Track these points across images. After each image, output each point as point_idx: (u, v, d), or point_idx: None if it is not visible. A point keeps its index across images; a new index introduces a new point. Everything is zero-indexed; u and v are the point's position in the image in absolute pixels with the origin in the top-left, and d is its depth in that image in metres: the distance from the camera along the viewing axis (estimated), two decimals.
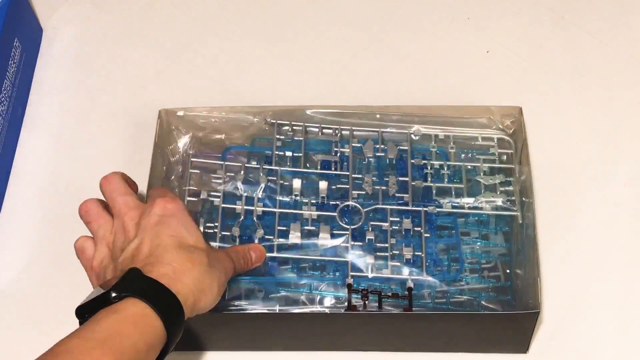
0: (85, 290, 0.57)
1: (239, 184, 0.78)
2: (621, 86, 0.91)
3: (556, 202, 0.84)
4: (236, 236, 0.76)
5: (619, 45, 0.93)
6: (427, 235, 0.77)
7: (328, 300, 0.75)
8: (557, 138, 0.88)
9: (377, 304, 0.73)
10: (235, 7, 0.97)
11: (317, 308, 0.75)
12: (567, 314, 0.78)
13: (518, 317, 0.70)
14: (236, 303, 0.74)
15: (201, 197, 0.78)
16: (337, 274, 0.76)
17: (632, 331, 0.77)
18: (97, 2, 0.96)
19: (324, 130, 0.83)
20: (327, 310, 0.74)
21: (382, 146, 0.81)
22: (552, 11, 0.95)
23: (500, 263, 0.77)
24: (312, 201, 0.78)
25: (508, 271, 0.76)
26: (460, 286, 0.75)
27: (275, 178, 0.79)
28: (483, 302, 0.74)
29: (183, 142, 0.82)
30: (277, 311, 0.74)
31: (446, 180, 0.80)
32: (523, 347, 0.75)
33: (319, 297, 0.76)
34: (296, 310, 0.74)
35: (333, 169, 0.81)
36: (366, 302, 0.74)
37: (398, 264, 0.75)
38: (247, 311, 0.73)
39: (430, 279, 0.75)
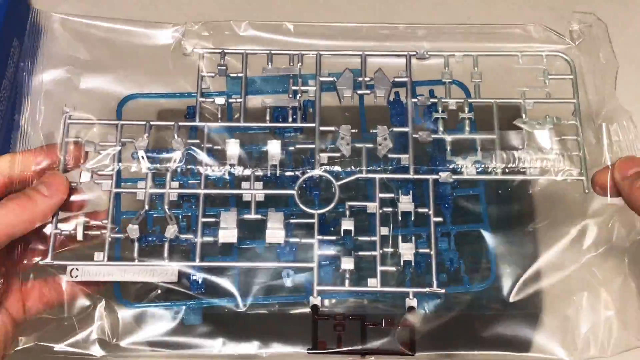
0: None
1: (141, 155, 0.50)
2: None
3: None
4: (134, 238, 0.48)
5: None
6: (439, 220, 0.49)
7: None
8: None
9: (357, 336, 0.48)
10: None
11: (266, 351, 0.48)
12: None
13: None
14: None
15: (81, 180, 0.50)
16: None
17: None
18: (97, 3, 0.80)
19: (275, 57, 0.53)
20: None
21: (368, 79, 0.52)
22: None
23: None
24: (257, 174, 0.50)
25: None
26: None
27: (198, 140, 0.51)
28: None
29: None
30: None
31: (467, 128, 0.51)
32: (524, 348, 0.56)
33: None
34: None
35: (290, 120, 0.52)
36: (341, 334, 0.47)
37: (392, 269, 0.49)
38: None
39: (442, 291, 0.48)
